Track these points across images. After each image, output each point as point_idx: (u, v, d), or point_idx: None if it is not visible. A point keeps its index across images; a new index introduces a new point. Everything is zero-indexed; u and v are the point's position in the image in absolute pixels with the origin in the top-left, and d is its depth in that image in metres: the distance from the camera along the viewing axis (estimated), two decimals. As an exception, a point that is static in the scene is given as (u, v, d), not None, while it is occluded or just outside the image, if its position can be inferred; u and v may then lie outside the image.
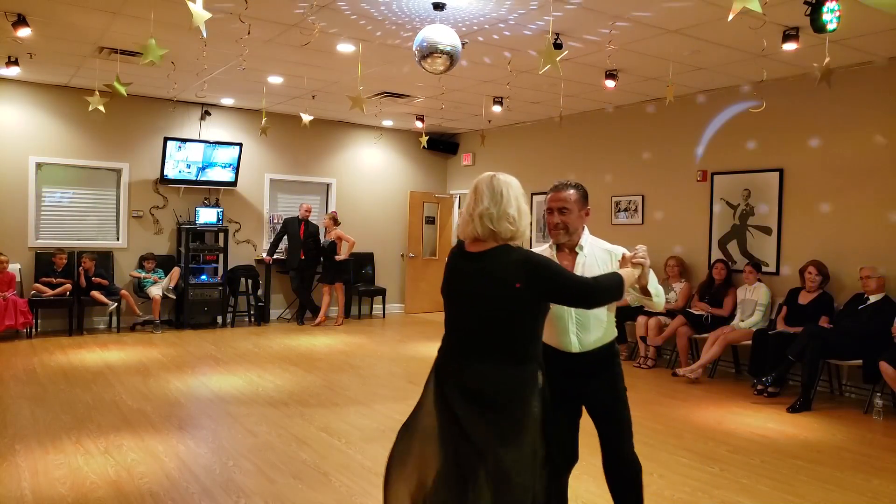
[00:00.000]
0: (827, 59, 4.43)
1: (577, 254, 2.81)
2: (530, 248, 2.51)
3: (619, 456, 2.81)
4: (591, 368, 2.77)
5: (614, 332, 2.84)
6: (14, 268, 8.28)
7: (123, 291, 8.70)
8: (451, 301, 2.46)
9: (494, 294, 2.33)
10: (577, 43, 6.00)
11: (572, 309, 2.70)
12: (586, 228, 2.86)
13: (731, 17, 3.80)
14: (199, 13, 3.95)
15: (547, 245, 2.93)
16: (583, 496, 3.70)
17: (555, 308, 2.65)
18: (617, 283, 2.49)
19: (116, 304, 8.54)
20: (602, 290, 2.46)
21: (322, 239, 10.13)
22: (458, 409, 2.31)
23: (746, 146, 7.38)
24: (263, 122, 7.64)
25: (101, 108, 6.49)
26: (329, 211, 10.56)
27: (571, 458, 2.87)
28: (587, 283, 2.48)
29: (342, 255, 9.77)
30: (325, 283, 9.83)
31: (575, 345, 2.73)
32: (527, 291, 2.30)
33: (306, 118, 7.14)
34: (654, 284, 2.76)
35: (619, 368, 2.85)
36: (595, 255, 2.81)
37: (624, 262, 2.67)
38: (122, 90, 5.58)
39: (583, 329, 2.74)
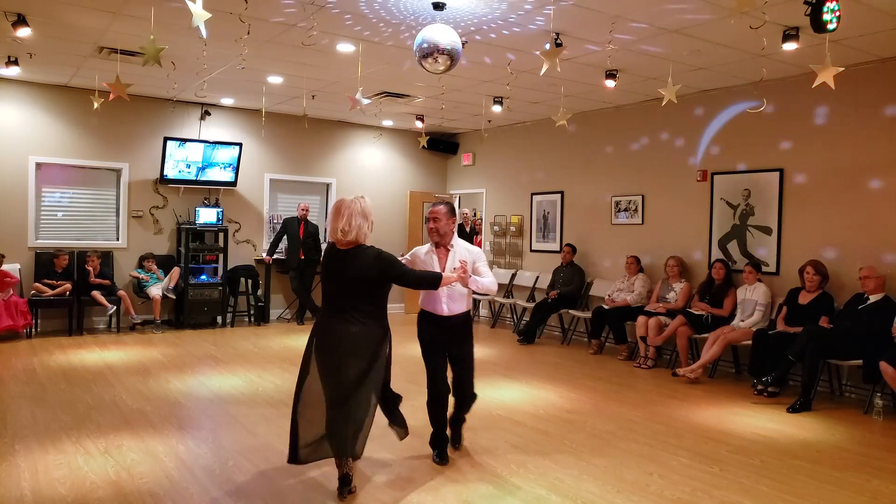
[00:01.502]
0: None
1: (448, 251, 4.12)
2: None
3: (465, 389, 4.21)
4: (453, 327, 4.11)
5: (469, 305, 4.20)
6: (14, 268, 8.28)
7: (121, 292, 8.70)
8: (328, 281, 3.72)
9: (353, 276, 3.60)
10: (581, 44, 6.00)
11: (444, 288, 3.99)
12: (455, 234, 4.19)
13: (735, 15, 3.80)
14: (199, 13, 3.95)
15: (429, 244, 4.18)
16: (583, 496, 3.70)
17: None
18: (434, 278, 3.84)
19: (115, 307, 8.55)
20: (423, 280, 3.85)
21: (327, 238, 10.14)
22: (330, 353, 3.60)
23: (746, 146, 7.38)
24: (263, 120, 7.66)
25: (97, 104, 6.56)
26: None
27: (446, 389, 4.15)
28: (414, 274, 3.84)
29: None
30: None
31: (444, 311, 4.09)
32: (377, 276, 3.61)
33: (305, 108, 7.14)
34: (479, 285, 4.01)
35: (471, 330, 4.25)
36: (461, 253, 4.10)
37: (457, 269, 3.92)
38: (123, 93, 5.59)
39: (451, 301, 4.09)
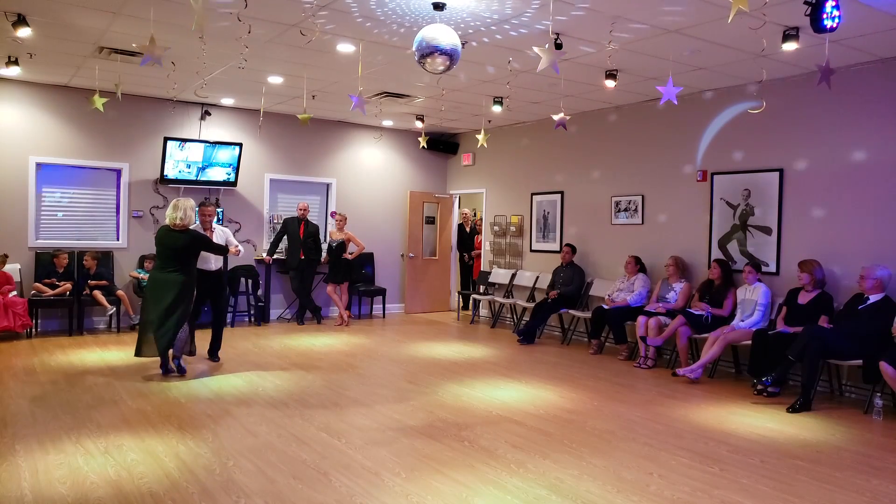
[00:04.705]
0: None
1: (212, 231, 6.79)
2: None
3: (222, 319, 7.13)
4: (215, 279, 6.82)
5: (222, 263, 6.98)
6: (14, 268, 8.28)
7: (120, 292, 8.71)
8: (162, 249, 6.20)
9: (179, 247, 6.16)
10: (580, 45, 6.00)
11: (211, 253, 6.60)
12: (215, 220, 6.96)
13: (731, 18, 3.80)
14: (200, 13, 3.95)
15: (199, 225, 6.61)
16: (583, 496, 3.70)
17: (205, 252, 6.50)
18: (225, 249, 6.62)
19: (115, 307, 8.55)
20: (218, 249, 6.55)
21: (327, 238, 10.16)
22: (161, 289, 6.13)
23: (746, 146, 7.38)
24: (261, 119, 7.64)
25: (101, 107, 6.57)
26: (331, 211, 10.60)
27: (199, 314, 6.88)
28: (214, 245, 6.48)
29: (352, 255, 9.88)
30: (334, 283, 9.84)
31: (212, 268, 6.76)
32: (192, 247, 6.23)
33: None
34: (238, 250, 6.81)
35: (225, 278, 7.20)
36: (218, 234, 6.81)
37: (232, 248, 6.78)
38: (112, 93, 5.59)
39: (215, 261, 6.79)
